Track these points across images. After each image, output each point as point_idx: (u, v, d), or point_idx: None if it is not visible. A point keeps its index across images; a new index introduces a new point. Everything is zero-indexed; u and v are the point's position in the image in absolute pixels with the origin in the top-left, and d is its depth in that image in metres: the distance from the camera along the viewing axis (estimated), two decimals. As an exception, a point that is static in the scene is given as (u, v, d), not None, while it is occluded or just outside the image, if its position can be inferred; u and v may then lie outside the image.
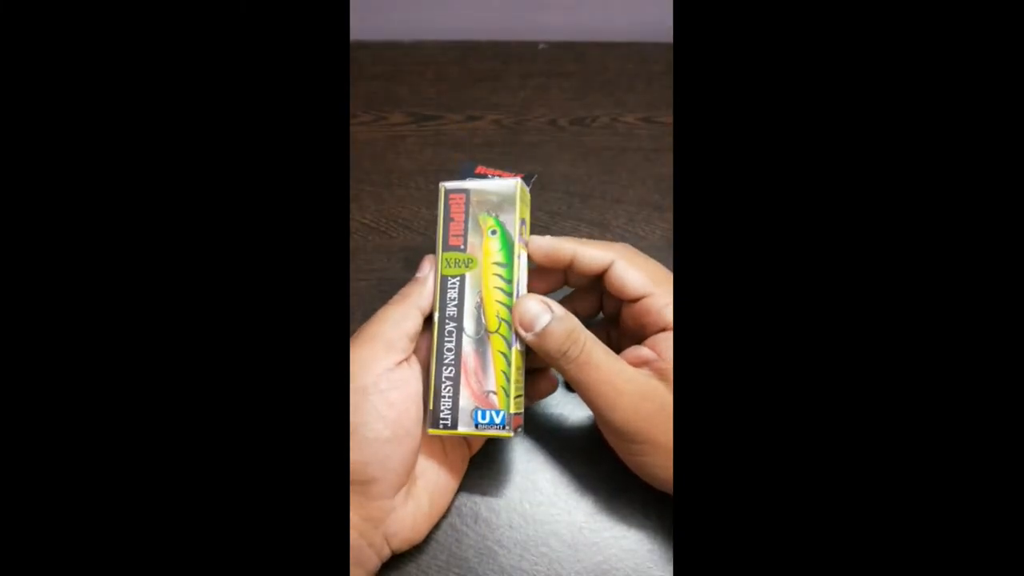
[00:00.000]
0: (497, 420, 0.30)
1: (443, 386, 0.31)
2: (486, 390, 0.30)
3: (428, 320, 0.32)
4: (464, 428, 0.30)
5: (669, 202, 0.49)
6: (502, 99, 0.57)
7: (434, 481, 0.33)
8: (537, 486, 0.36)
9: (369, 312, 0.32)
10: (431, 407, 0.31)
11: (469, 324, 0.31)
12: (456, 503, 0.35)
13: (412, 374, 0.31)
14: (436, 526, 0.34)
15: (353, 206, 0.49)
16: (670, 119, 0.55)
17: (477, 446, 0.35)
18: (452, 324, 0.31)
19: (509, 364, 0.30)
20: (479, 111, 0.56)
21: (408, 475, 0.31)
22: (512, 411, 0.30)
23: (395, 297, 0.32)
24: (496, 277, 0.31)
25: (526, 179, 0.33)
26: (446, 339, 0.31)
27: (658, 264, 0.33)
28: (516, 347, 0.31)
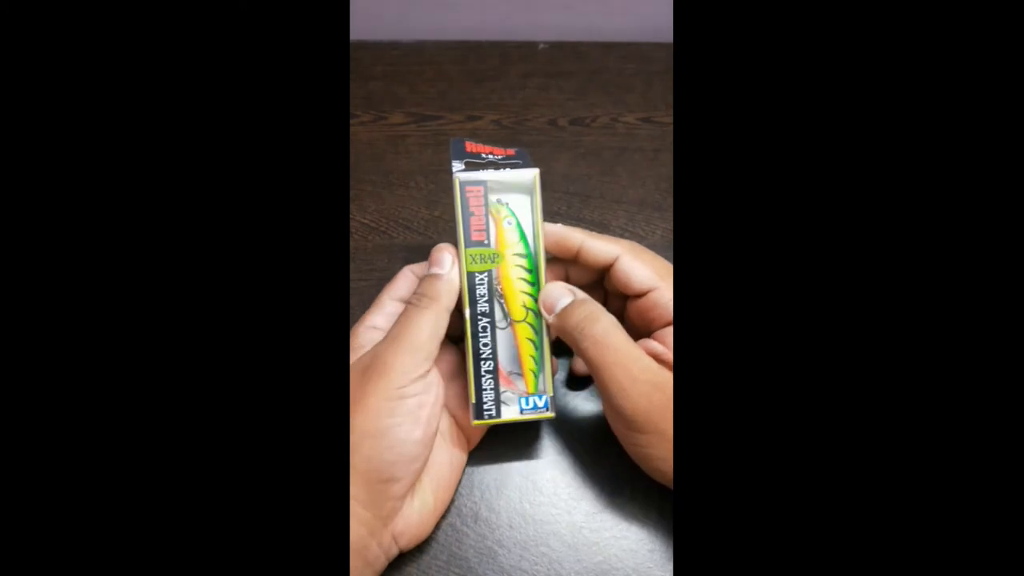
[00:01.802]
0: (540, 404, 0.32)
1: (483, 379, 0.32)
2: (516, 374, 0.32)
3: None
4: (509, 416, 0.32)
5: (669, 202, 0.49)
6: (502, 99, 0.57)
7: (437, 477, 0.33)
8: (537, 486, 0.36)
9: (369, 312, 0.32)
10: (473, 400, 0.32)
11: (497, 315, 0.32)
12: (456, 503, 0.35)
13: (436, 377, 0.32)
14: (436, 526, 0.34)
15: (353, 206, 0.49)
16: (670, 119, 0.56)
17: (476, 441, 0.35)
18: (485, 320, 0.32)
19: (538, 350, 0.32)
20: (479, 111, 0.56)
21: (419, 475, 0.31)
22: (550, 394, 0.32)
23: (423, 300, 0.31)
24: (518, 268, 0.31)
25: (519, 156, 0.34)
26: (480, 335, 0.32)
27: (663, 260, 0.33)
28: (546, 336, 0.32)
